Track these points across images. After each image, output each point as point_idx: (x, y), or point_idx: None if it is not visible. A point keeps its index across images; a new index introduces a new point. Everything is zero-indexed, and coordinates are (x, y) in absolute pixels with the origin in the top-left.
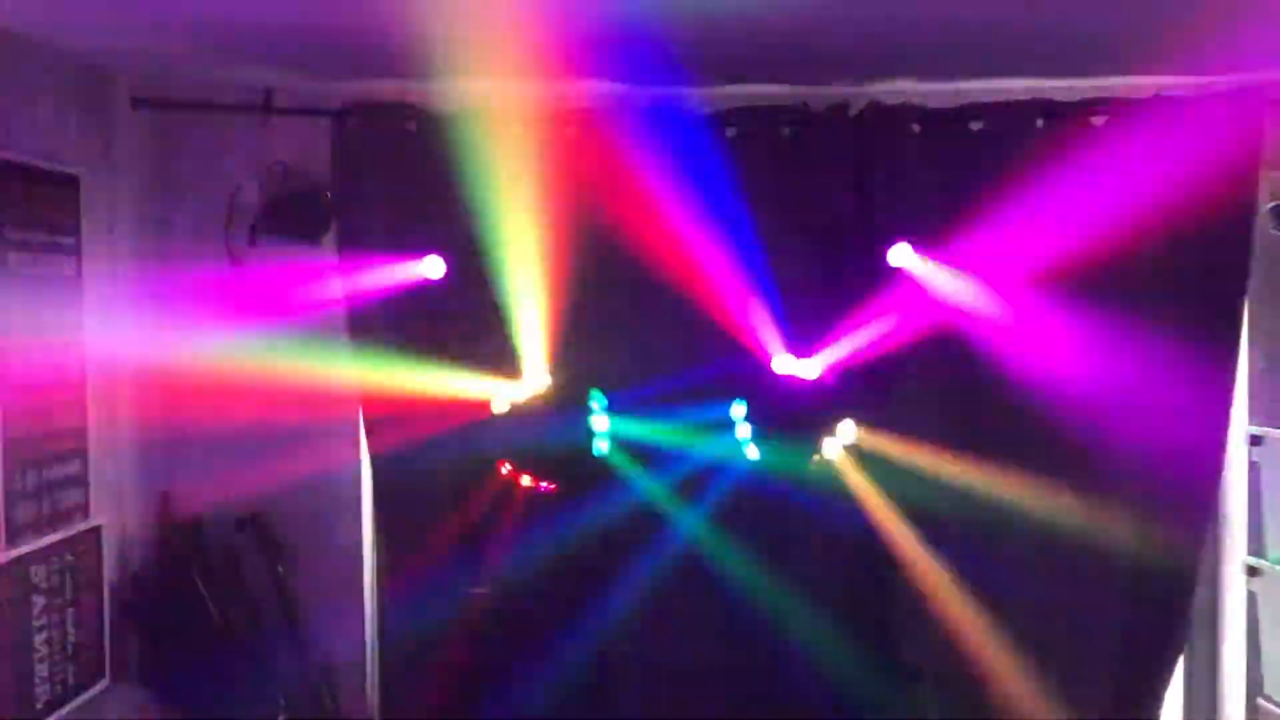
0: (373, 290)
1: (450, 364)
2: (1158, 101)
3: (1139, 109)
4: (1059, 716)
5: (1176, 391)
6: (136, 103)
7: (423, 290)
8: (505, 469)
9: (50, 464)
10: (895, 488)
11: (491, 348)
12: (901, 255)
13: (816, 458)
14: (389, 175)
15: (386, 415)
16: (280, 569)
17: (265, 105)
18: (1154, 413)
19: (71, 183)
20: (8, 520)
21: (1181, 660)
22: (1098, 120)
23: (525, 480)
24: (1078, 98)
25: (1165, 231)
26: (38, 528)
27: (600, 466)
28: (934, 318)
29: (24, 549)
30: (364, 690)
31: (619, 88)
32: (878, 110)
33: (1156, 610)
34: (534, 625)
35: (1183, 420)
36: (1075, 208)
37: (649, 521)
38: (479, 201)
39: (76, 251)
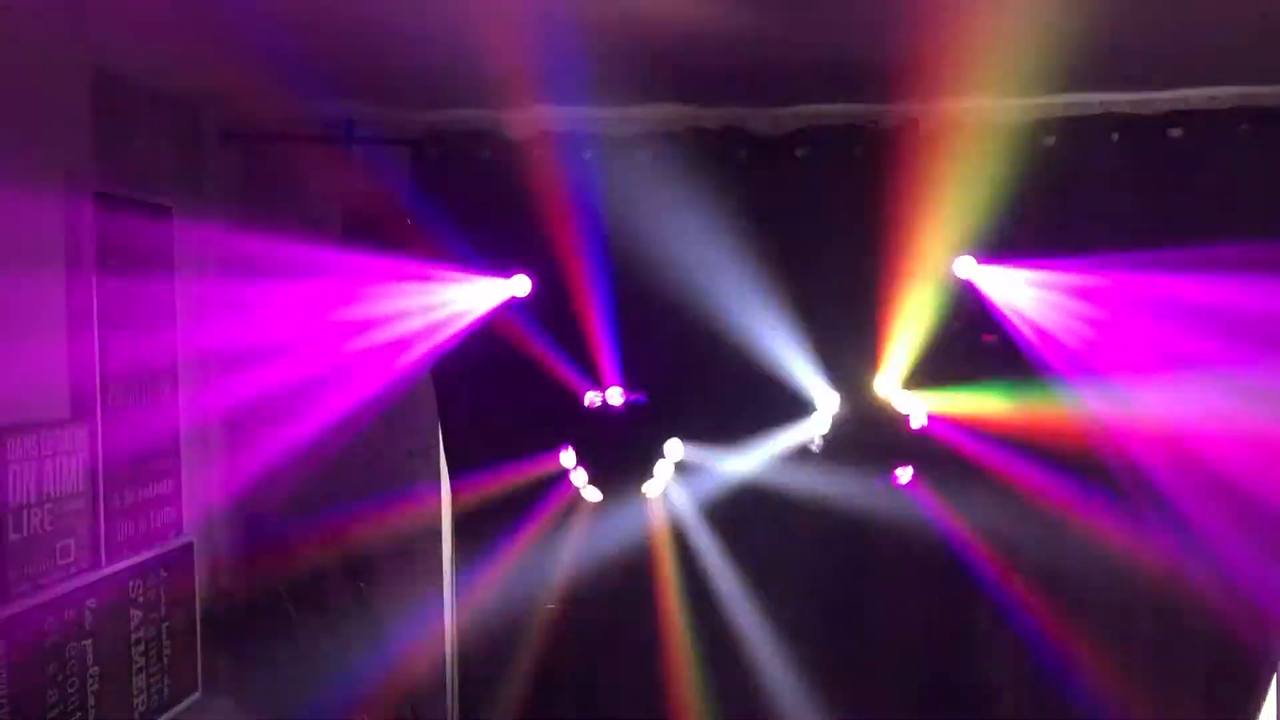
0: (453, 311)
1: (528, 381)
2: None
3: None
4: None
5: None
6: (225, 136)
7: (503, 310)
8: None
9: (145, 483)
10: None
11: (571, 365)
12: (966, 267)
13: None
14: (466, 202)
15: (466, 434)
16: (362, 585)
17: (346, 135)
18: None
19: (165, 212)
20: (106, 536)
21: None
22: (1175, 133)
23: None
24: (1154, 111)
25: None
26: (133, 544)
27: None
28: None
29: (121, 564)
30: (443, 703)
31: (685, 110)
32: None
33: (1247, 628)
34: (608, 637)
35: None
36: (1152, 224)
37: (723, 531)
38: (553, 227)
39: (170, 279)
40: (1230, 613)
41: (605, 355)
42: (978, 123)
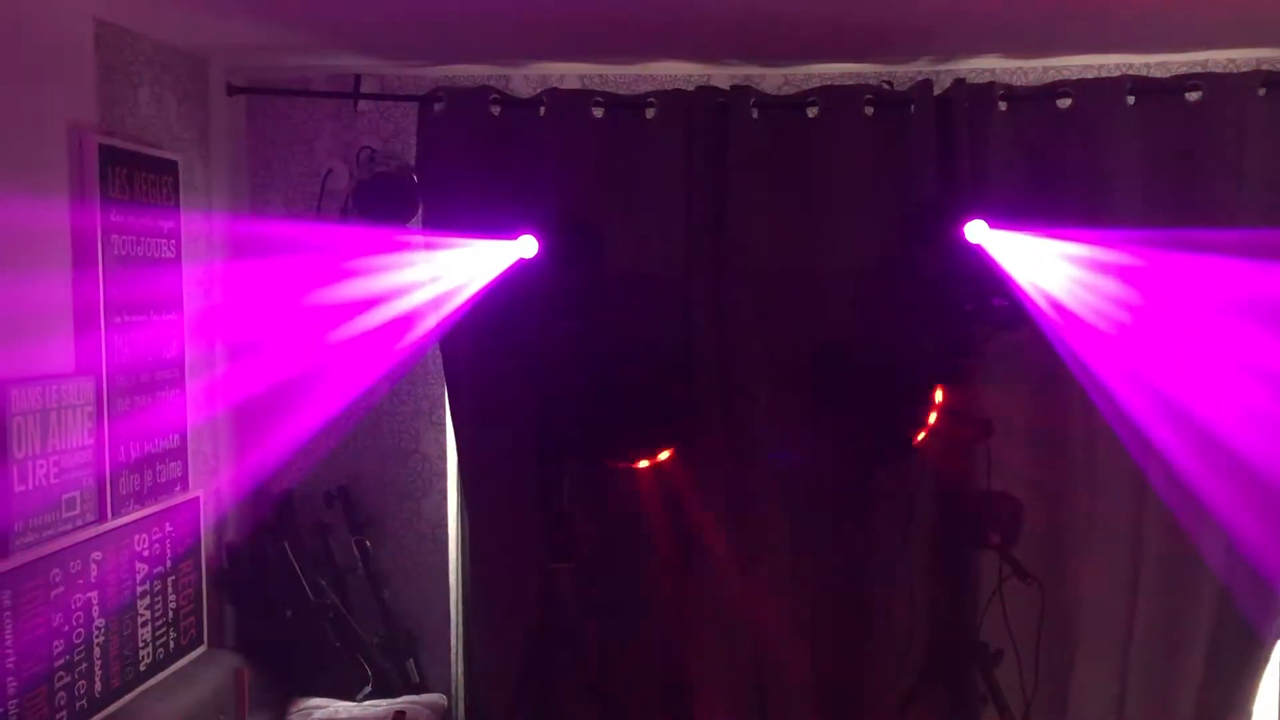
0: (460, 269)
1: (535, 341)
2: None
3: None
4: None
5: None
6: (231, 89)
7: (511, 270)
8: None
9: (150, 438)
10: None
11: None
12: (978, 232)
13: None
14: (474, 158)
15: (471, 391)
16: (367, 542)
17: (354, 91)
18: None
19: (170, 166)
20: (112, 490)
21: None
22: (1193, 96)
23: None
24: (1171, 73)
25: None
26: (139, 498)
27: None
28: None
29: (126, 519)
30: (447, 660)
31: (693, 67)
32: (963, 88)
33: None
34: (614, 598)
35: None
36: (1170, 189)
37: (731, 496)
38: (560, 184)
39: (176, 233)
40: (1234, 579)
41: (611, 315)
42: (991, 83)
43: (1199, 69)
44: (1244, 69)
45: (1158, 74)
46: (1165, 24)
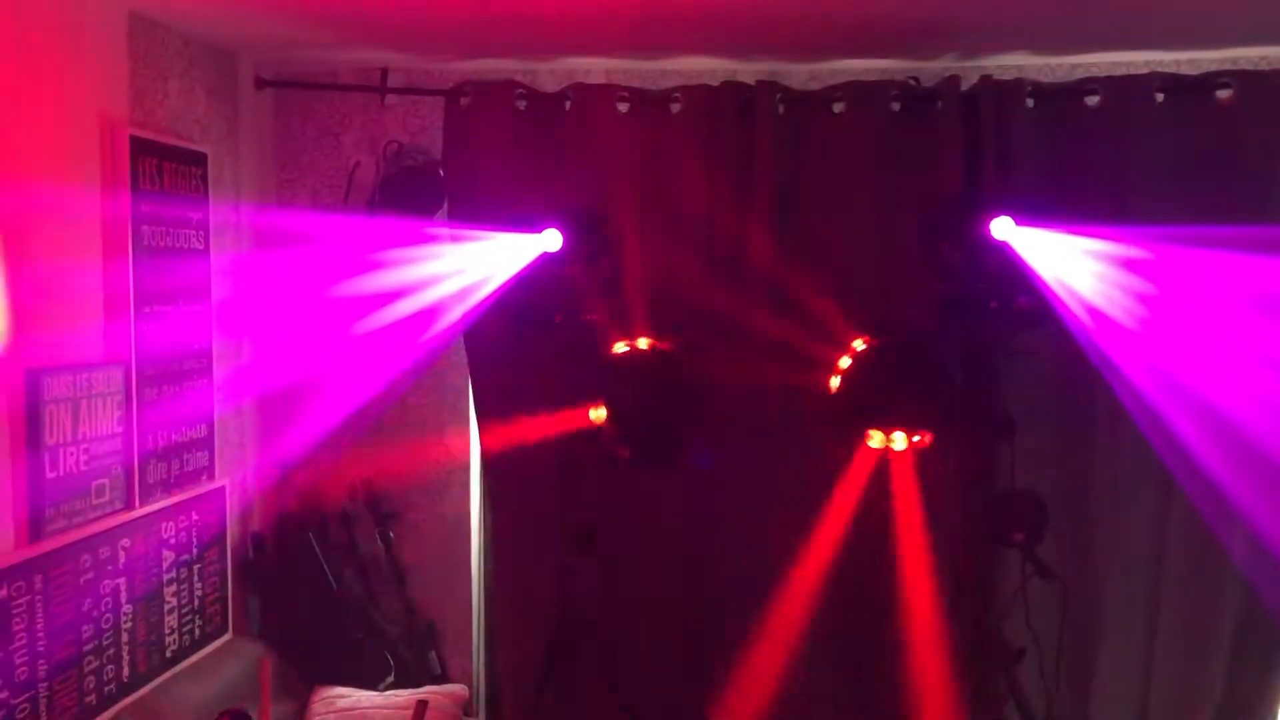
0: (484, 262)
1: (559, 334)
2: None
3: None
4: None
5: None
6: (260, 83)
7: (535, 263)
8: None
9: (178, 426)
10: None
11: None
12: (1004, 229)
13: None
14: (499, 152)
15: (495, 387)
16: (391, 533)
17: (381, 85)
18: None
19: (199, 159)
20: (140, 478)
21: None
22: (1224, 94)
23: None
24: (1201, 70)
25: None
26: (166, 487)
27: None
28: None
29: (154, 506)
30: (469, 652)
31: (719, 63)
32: (990, 85)
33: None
34: (633, 591)
35: None
36: (1199, 187)
37: (751, 489)
38: (586, 179)
39: (204, 224)
40: (1258, 576)
41: (636, 309)
42: (1019, 80)
43: (1229, 66)
44: (1276, 66)
45: (1187, 72)
46: (1195, 21)
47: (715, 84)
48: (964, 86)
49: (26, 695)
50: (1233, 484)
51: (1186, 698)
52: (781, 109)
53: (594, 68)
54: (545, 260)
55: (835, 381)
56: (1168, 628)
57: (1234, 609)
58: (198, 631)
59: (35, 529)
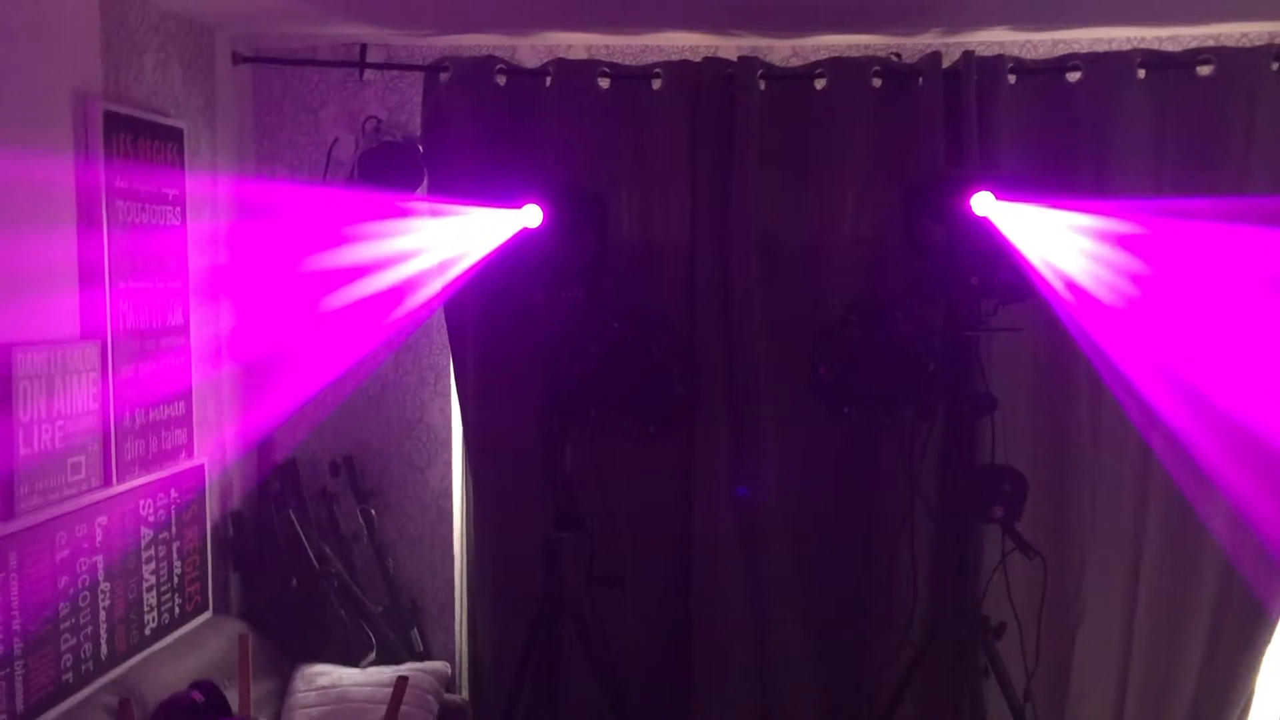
0: (464, 237)
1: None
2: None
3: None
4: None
5: None
6: (237, 58)
7: (516, 239)
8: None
9: (155, 402)
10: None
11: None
12: (985, 204)
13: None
14: (479, 128)
15: (477, 363)
16: (372, 511)
17: (360, 60)
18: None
19: (176, 135)
20: (117, 456)
21: None
22: (1204, 70)
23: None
24: (1183, 47)
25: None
26: (144, 464)
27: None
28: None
29: (131, 483)
30: (451, 630)
31: (700, 38)
32: (972, 61)
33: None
34: (620, 568)
35: None
36: (1180, 163)
37: (735, 465)
38: (565, 155)
39: (181, 200)
40: (1238, 551)
41: (612, 288)
42: (1000, 56)
43: (1211, 43)
44: (1257, 43)
45: (1169, 48)
46: None
47: (697, 60)
48: (946, 63)
49: (2, 673)
50: (1213, 458)
51: (1166, 671)
52: (763, 85)
53: (575, 43)
54: (526, 236)
55: (818, 364)
56: (1147, 602)
57: (1213, 584)
58: (177, 609)
59: (8, 507)
